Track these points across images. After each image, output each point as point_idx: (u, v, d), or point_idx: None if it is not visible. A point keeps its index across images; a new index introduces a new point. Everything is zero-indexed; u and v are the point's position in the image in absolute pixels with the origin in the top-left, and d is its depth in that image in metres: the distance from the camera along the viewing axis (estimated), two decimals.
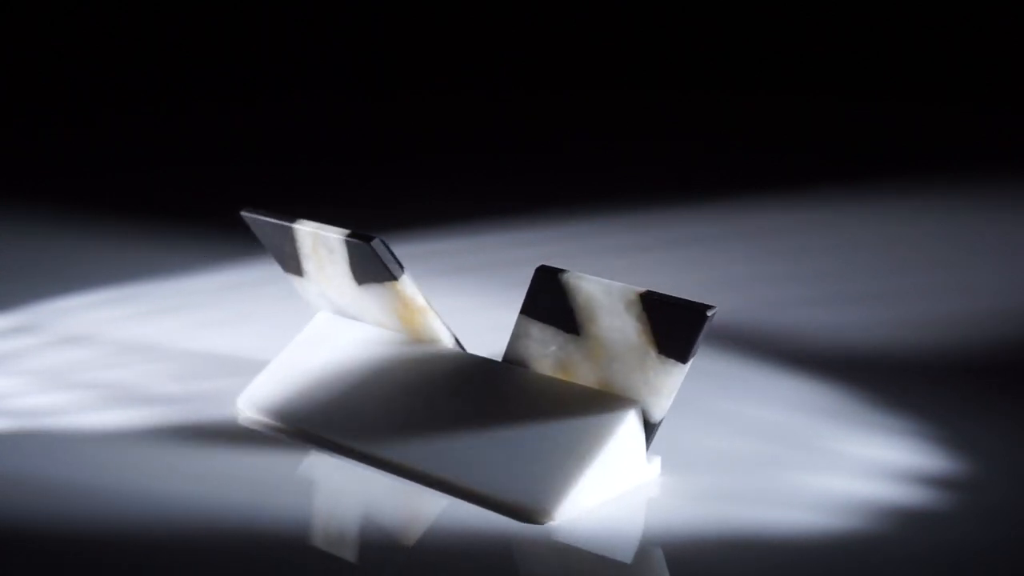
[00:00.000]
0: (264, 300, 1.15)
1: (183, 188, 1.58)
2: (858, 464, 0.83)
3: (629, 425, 0.78)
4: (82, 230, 1.37)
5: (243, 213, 0.91)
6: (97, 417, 0.90)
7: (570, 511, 0.76)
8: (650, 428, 0.79)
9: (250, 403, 0.90)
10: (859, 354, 1.01)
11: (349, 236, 0.86)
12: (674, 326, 0.76)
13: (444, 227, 1.37)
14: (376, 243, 0.85)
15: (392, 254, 0.85)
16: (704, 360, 1.00)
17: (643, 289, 0.77)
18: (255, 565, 0.72)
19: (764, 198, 1.48)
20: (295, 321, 1.10)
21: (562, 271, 0.80)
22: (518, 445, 0.79)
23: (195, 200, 1.52)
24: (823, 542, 0.74)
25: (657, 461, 0.81)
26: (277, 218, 0.90)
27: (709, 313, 0.75)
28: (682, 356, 0.76)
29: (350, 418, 0.86)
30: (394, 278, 0.85)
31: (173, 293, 1.17)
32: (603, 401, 0.79)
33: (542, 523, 0.75)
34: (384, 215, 1.42)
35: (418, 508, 0.79)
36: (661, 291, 0.74)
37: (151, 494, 0.79)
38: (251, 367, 0.98)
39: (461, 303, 1.10)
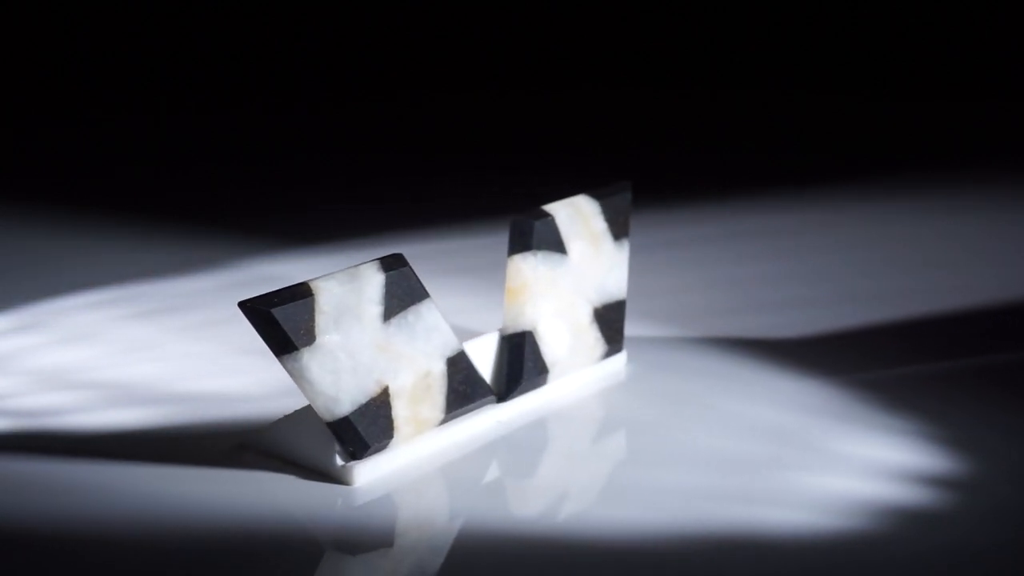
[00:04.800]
0: None
1: (183, 188, 1.58)
2: (858, 464, 0.83)
3: (306, 412, 0.81)
4: (82, 230, 1.37)
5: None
6: (97, 417, 0.90)
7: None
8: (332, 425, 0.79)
9: None
10: (859, 354, 1.01)
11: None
12: None
13: (445, 227, 1.37)
14: (513, 218, 0.91)
15: (521, 233, 0.90)
16: (704, 360, 1.00)
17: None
18: (256, 566, 0.72)
19: (764, 198, 1.48)
20: None
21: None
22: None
23: (195, 200, 1.52)
24: (823, 542, 0.74)
25: (351, 467, 0.80)
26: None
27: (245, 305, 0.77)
28: None
29: None
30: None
31: (173, 293, 1.17)
32: None
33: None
34: (384, 214, 1.42)
35: (420, 515, 0.79)
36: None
37: (151, 494, 0.79)
38: (252, 367, 0.98)
39: (461, 303, 1.10)
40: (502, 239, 1.36)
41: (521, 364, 0.90)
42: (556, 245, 0.92)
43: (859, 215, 1.42)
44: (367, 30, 2.37)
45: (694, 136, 1.84)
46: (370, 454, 0.80)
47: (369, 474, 0.80)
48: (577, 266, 0.93)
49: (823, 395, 0.94)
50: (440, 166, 1.69)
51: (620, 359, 0.98)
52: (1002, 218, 1.40)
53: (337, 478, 0.80)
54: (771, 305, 1.13)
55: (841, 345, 1.03)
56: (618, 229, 0.97)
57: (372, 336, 0.80)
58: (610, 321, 0.97)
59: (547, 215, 0.91)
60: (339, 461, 0.80)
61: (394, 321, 0.82)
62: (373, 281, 0.81)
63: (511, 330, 0.90)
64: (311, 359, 0.78)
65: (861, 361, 1.00)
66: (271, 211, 1.46)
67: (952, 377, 0.97)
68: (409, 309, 0.83)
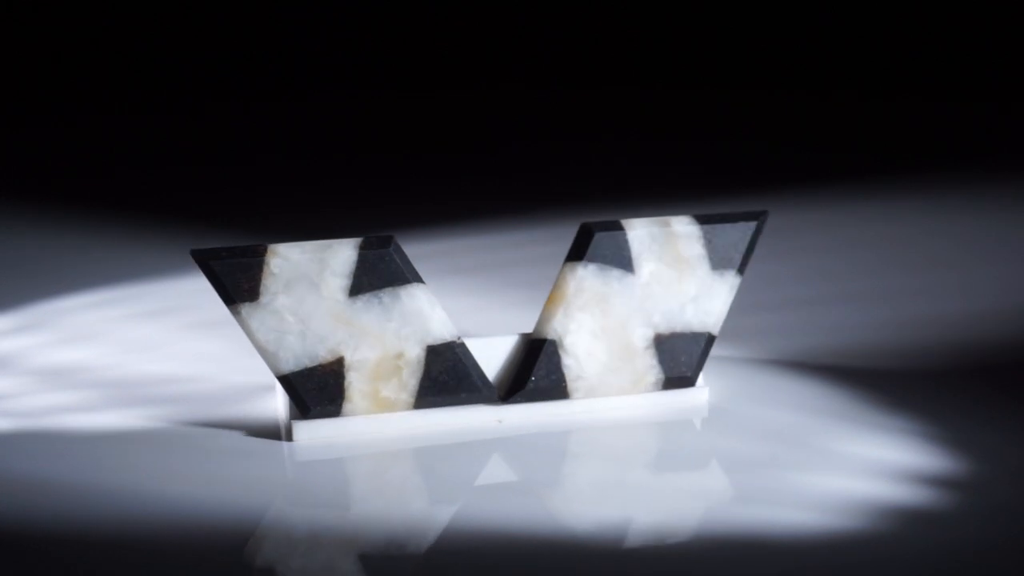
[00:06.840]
0: None
1: (183, 188, 1.58)
2: (858, 464, 0.83)
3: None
4: (82, 230, 1.37)
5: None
6: (97, 417, 0.90)
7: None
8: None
9: None
10: (859, 354, 1.01)
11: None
12: None
13: (444, 227, 1.37)
14: (582, 224, 0.89)
15: (580, 243, 0.88)
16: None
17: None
18: (254, 565, 0.72)
19: (764, 198, 1.48)
20: None
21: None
22: None
23: (195, 200, 1.52)
24: (823, 542, 0.74)
25: (291, 424, 0.85)
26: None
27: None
28: None
29: None
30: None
31: (173, 293, 1.17)
32: None
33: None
34: (384, 214, 1.42)
35: (418, 514, 0.79)
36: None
37: (151, 494, 0.79)
38: (253, 367, 0.98)
39: (460, 303, 1.10)
40: (501, 239, 1.37)
41: (529, 370, 0.88)
42: (621, 261, 0.88)
43: (859, 215, 1.42)
44: (368, 30, 2.37)
45: (694, 135, 1.84)
46: (315, 416, 0.84)
47: (312, 434, 0.84)
48: (644, 287, 0.89)
49: (823, 395, 0.94)
50: (440, 166, 1.69)
51: (696, 394, 0.92)
52: (1002, 218, 1.40)
53: (285, 432, 0.86)
54: (771, 305, 1.13)
55: (841, 345, 1.03)
56: (724, 258, 0.91)
57: (331, 307, 0.83)
58: (678, 351, 0.90)
59: (619, 228, 0.88)
60: (288, 416, 0.86)
61: (363, 298, 0.84)
62: (343, 256, 0.84)
63: (535, 335, 0.89)
64: (250, 315, 0.82)
65: (861, 361, 1.00)
66: (271, 211, 1.46)
67: (952, 377, 0.97)
68: (385, 290, 0.84)
